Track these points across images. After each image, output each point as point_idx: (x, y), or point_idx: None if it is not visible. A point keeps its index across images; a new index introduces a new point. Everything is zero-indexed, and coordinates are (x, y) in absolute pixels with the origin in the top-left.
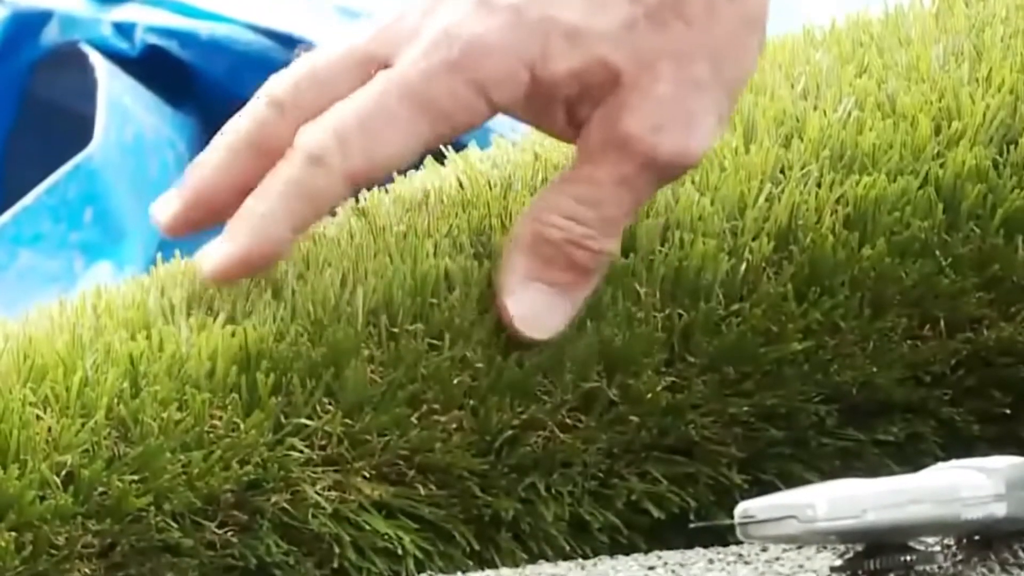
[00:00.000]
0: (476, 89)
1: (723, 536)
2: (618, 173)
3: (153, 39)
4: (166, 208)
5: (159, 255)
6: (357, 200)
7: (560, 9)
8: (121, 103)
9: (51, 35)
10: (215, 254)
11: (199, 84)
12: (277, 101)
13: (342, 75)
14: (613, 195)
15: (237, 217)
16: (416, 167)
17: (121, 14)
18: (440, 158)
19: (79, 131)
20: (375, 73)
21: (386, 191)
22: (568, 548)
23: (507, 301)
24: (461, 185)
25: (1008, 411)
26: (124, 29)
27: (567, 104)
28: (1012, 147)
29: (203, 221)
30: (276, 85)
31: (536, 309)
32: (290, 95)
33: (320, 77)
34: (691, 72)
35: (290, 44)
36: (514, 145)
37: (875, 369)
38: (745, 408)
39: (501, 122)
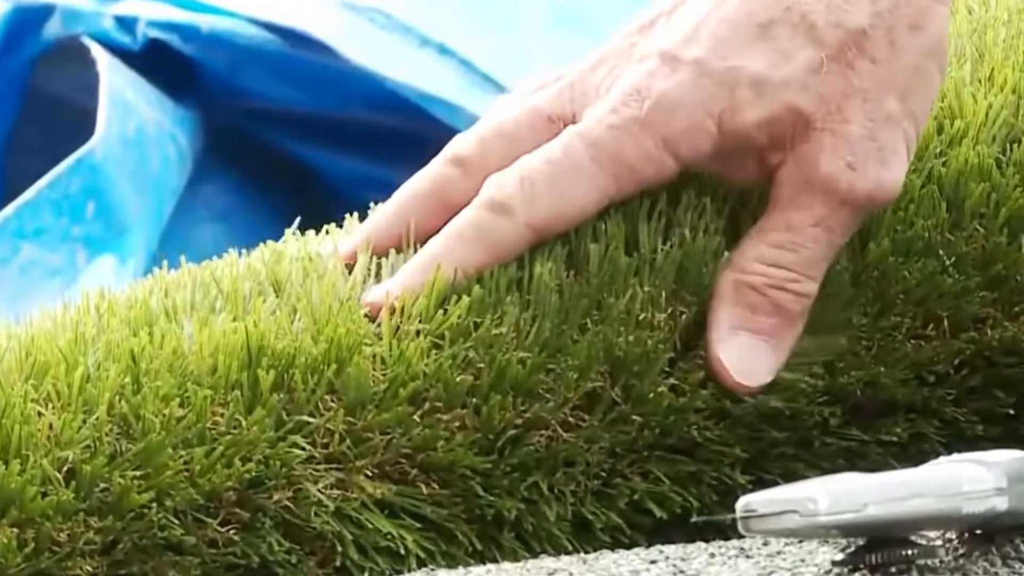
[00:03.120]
0: (663, 145)
1: (724, 531)
2: (815, 215)
3: (155, 33)
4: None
5: (165, 261)
6: (365, 214)
7: (744, 60)
8: (123, 97)
9: (53, 29)
10: (378, 290)
11: (201, 78)
12: (461, 158)
13: (528, 132)
14: (811, 237)
15: (412, 261)
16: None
17: (123, 8)
18: None
19: (81, 125)
20: (562, 129)
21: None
22: (571, 548)
23: (719, 353)
24: None
25: (1011, 411)
26: (126, 23)
27: (758, 154)
28: (1015, 146)
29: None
30: (460, 143)
31: (747, 357)
32: (475, 152)
33: (506, 134)
34: (880, 108)
35: (292, 38)
36: None
37: (879, 369)
38: (748, 408)
39: None
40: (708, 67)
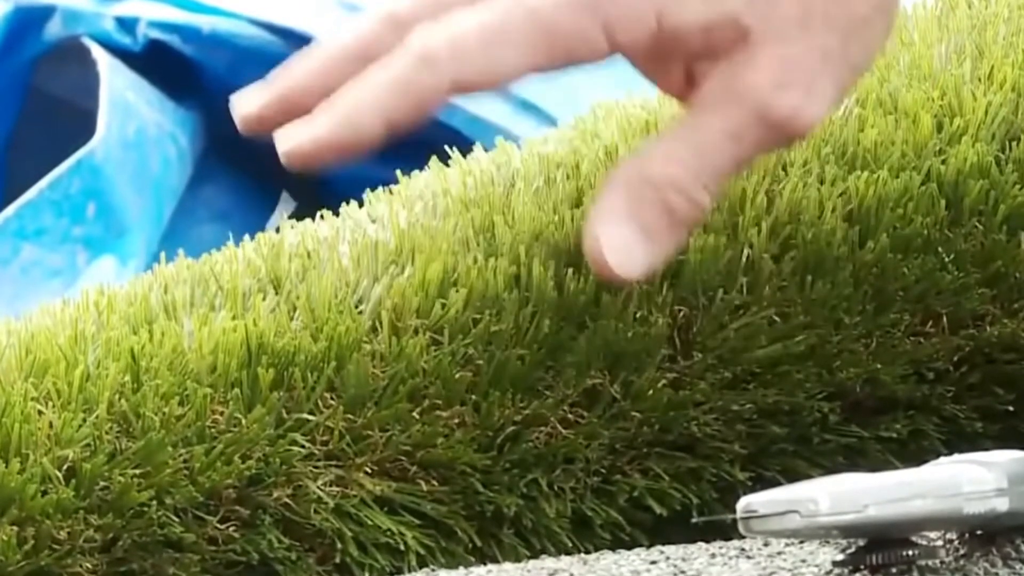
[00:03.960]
0: (602, 27)
1: (725, 531)
2: (730, 124)
3: (155, 34)
4: (246, 102)
5: (163, 254)
6: (361, 204)
7: None
8: (123, 98)
9: (54, 30)
10: (295, 135)
11: (201, 79)
12: (392, 14)
13: None
14: (721, 145)
15: (327, 103)
16: (420, 168)
17: (123, 9)
18: (445, 159)
19: (82, 126)
20: None
21: (391, 191)
22: (570, 544)
23: (598, 233)
24: (465, 185)
25: (1011, 408)
26: (126, 24)
27: (688, 60)
28: (1015, 143)
29: (284, 121)
30: (392, 1)
31: (624, 246)
32: (407, 9)
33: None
34: (820, 40)
35: (292, 39)
36: (518, 147)
37: (878, 365)
38: (748, 405)
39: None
40: None
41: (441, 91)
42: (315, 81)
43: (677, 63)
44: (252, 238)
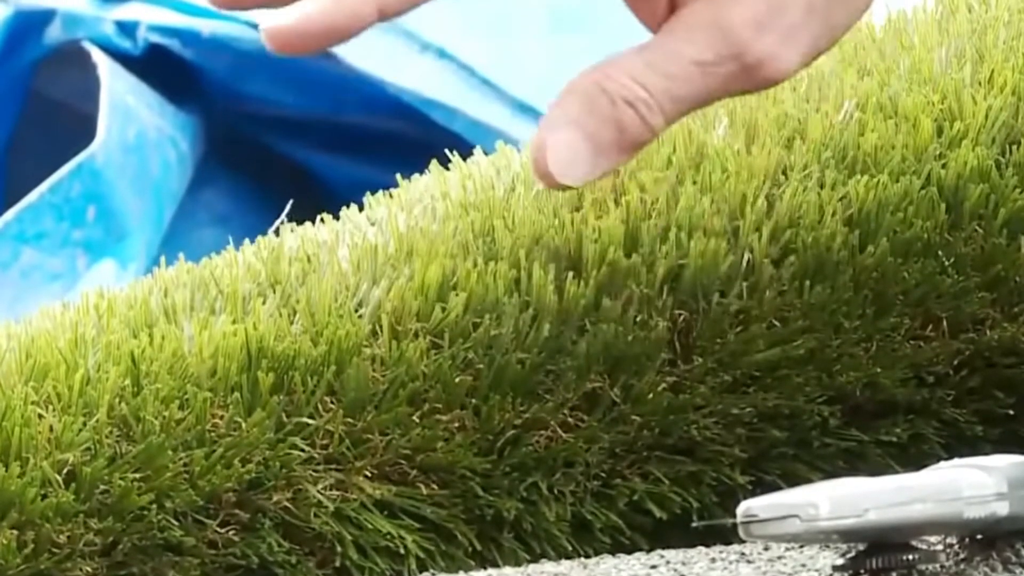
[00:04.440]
0: None
1: (725, 536)
2: (701, 55)
3: (155, 38)
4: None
5: (163, 258)
6: (361, 207)
7: None
8: (124, 102)
9: (54, 34)
10: (282, 17)
11: (201, 82)
12: None
13: None
14: (688, 73)
15: None
16: (420, 171)
17: (124, 13)
18: (445, 163)
19: (82, 129)
20: None
21: (391, 195)
22: (570, 548)
23: (545, 136)
24: (465, 189)
25: (1011, 412)
26: (127, 28)
27: None
28: (1015, 147)
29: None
30: None
31: (569, 152)
32: None
33: None
34: None
35: None
36: (518, 151)
37: (878, 369)
38: (747, 408)
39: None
40: None
41: None
42: None
43: None
44: (252, 241)
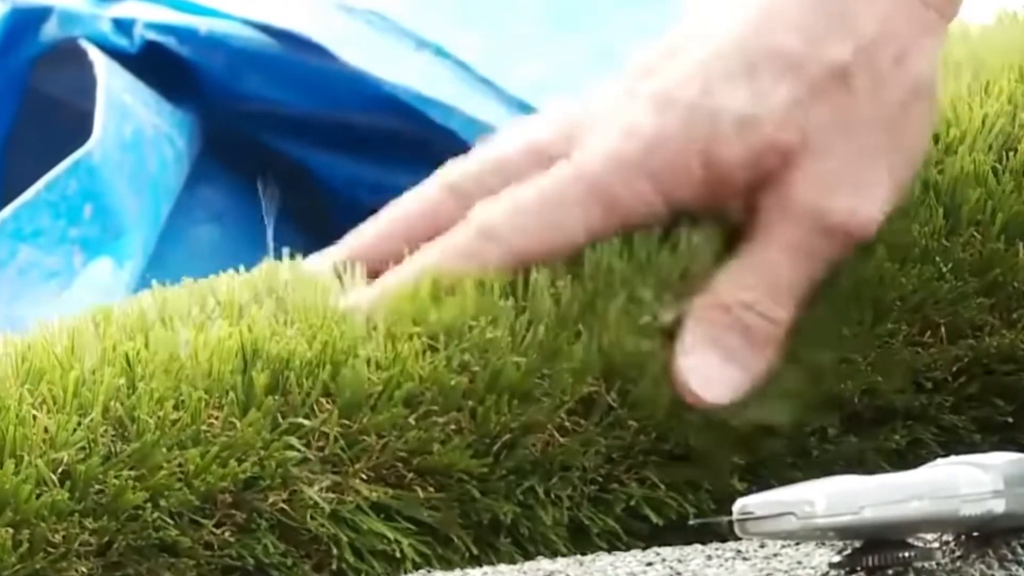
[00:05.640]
0: (653, 185)
1: (721, 534)
2: (787, 239)
3: (152, 35)
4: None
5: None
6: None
7: (728, 99)
8: (120, 99)
9: (50, 31)
10: (352, 297)
11: (198, 80)
12: (453, 184)
13: (522, 164)
14: (783, 261)
15: (389, 272)
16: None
17: (120, 10)
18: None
19: (79, 127)
20: (555, 163)
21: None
22: (567, 553)
23: (681, 362)
24: None
25: (1010, 419)
26: (123, 25)
27: (744, 191)
28: (1012, 153)
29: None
30: (454, 169)
31: (709, 372)
32: (468, 180)
33: (501, 164)
34: (860, 141)
35: (289, 41)
36: None
37: (876, 376)
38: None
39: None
40: (696, 106)
41: (502, 262)
42: (380, 247)
43: (736, 198)
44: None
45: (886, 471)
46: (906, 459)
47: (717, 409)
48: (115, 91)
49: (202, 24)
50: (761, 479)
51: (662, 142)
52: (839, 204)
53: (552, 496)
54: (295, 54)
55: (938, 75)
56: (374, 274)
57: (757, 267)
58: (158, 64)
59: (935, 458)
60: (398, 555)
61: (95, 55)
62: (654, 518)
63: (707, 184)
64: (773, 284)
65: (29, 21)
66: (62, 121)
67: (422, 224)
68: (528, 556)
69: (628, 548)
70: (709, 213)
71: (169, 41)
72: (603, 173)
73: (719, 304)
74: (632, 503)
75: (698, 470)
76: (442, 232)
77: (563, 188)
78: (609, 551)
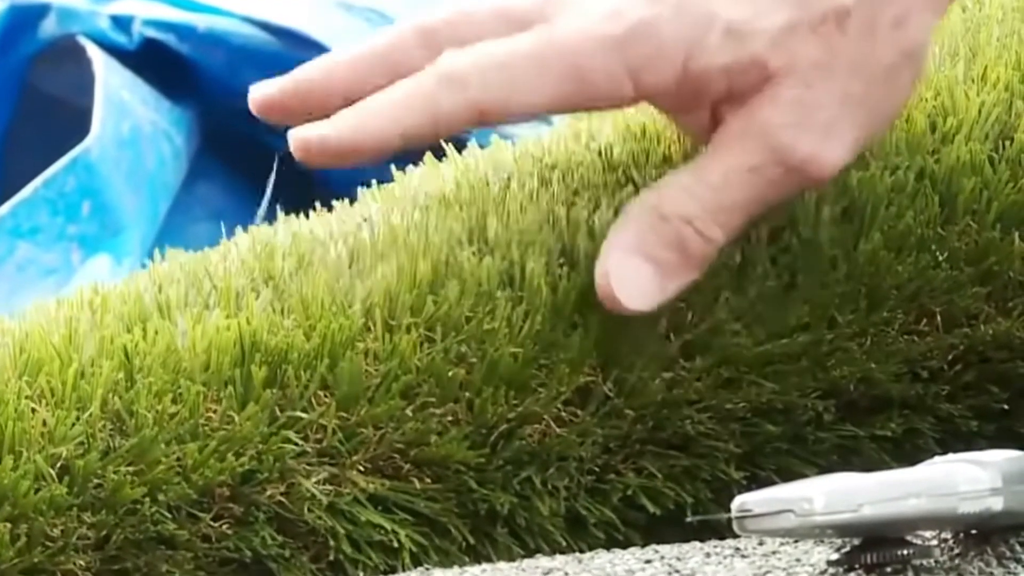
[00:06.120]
0: (628, 71)
1: (720, 531)
2: (746, 162)
3: (151, 32)
4: (265, 86)
5: (157, 252)
6: (353, 201)
7: (725, 6)
8: (119, 96)
9: (49, 28)
10: (310, 129)
11: (197, 77)
12: (423, 28)
13: (496, 23)
14: (735, 182)
15: (349, 108)
16: (415, 163)
17: (119, 7)
18: (440, 156)
19: (77, 124)
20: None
21: (384, 189)
22: (564, 544)
23: (608, 265)
24: (459, 183)
25: (1006, 407)
26: (122, 22)
27: (713, 103)
28: (1008, 142)
29: (298, 111)
30: (429, 17)
31: (632, 278)
32: (441, 27)
33: (475, 19)
34: (842, 86)
35: (288, 38)
36: (513, 146)
37: (872, 364)
38: (742, 403)
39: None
40: (689, 5)
41: (463, 113)
42: (337, 81)
43: (702, 106)
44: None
45: (883, 459)
46: (903, 448)
47: (631, 315)
48: (113, 88)
49: (201, 21)
50: (758, 468)
51: (646, 30)
52: (804, 142)
53: (549, 487)
54: (294, 51)
55: (929, 50)
56: (320, 106)
57: (706, 182)
58: (157, 61)
59: (931, 446)
60: (395, 546)
61: (93, 52)
62: (651, 508)
63: (681, 84)
64: (717, 203)
65: (28, 18)
66: (60, 118)
67: (387, 64)
68: (525, 547)
69: (625, 538)
70: (675, 113)
71: (168, 38)
72: (581, 46)
73: (658, 211)
74: (629, 493)
75: (695, 459)
76: (404, 75)
77: (536, 51)
78: (607, 542)
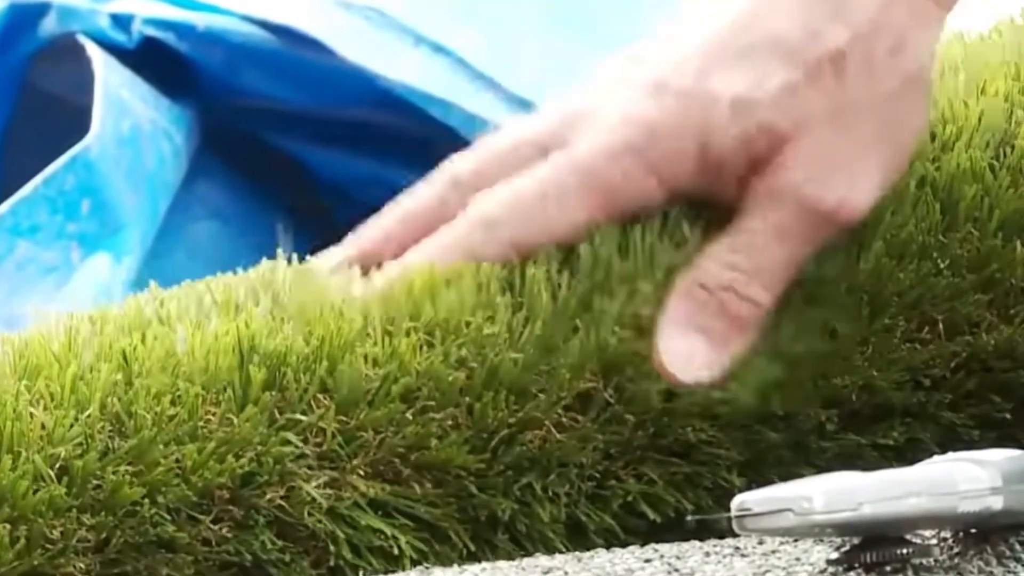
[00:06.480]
0: (649, 170)
1: (719, 532)
2: (774, 222)
3: (150, 31)
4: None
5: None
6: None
7: (724, 83)
8: (118, 95)
9: (49, 27)
10: (355, 290)
11: (196, 76)
12: (457, 179)
13: (521, 156)
14: (768, 243)
15: (393, 264)
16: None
17: (118, 6)
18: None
19: (77, 122)
20: (553, 154)
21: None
22: (564, 550)
23: (659, 341)
24: None
25: (1008, 415)
26: (121, 21)
27: (738, 177)
28: (1008, 149)
29: None
30: (457, 164)
31: (686, 351)
32: (468, 174)
33: (500, 158)
34: (853, 128)
35: (287, 36)
36: None
37: (874, 372)
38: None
39: (500, 122)
40: (691, 91)
41: (499, 253)
42: (383, 244)
43: (727, 181)
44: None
45: (885, 468)
46: (904, 456)
47: (695, 388)
48: (113, 87)
49: (200, 20)
50: (759, 475)
51: (657, 128)
52: (829, 191)
53: (550, 493)
54: (294, 50)
55: (933, 67)
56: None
57: (742, 248)
58: (156, 60)
59: (933, 455)
60: (395, 551)
61: (93, 51)
62: (652, 515)
63: (702, 168)
64: (757, 266)
65: (27, 17)
66: (60, 117)
67: (425, 221)
68: (526, 553)
69: (625, 545)
70: (703, 192)
71: (167, 37)
72: (599, 162)
73: (701, 284)
74: (630, 499)
75: (696, 466)
76: (446, 222)
77: (561, 178)
78: (607, 548)
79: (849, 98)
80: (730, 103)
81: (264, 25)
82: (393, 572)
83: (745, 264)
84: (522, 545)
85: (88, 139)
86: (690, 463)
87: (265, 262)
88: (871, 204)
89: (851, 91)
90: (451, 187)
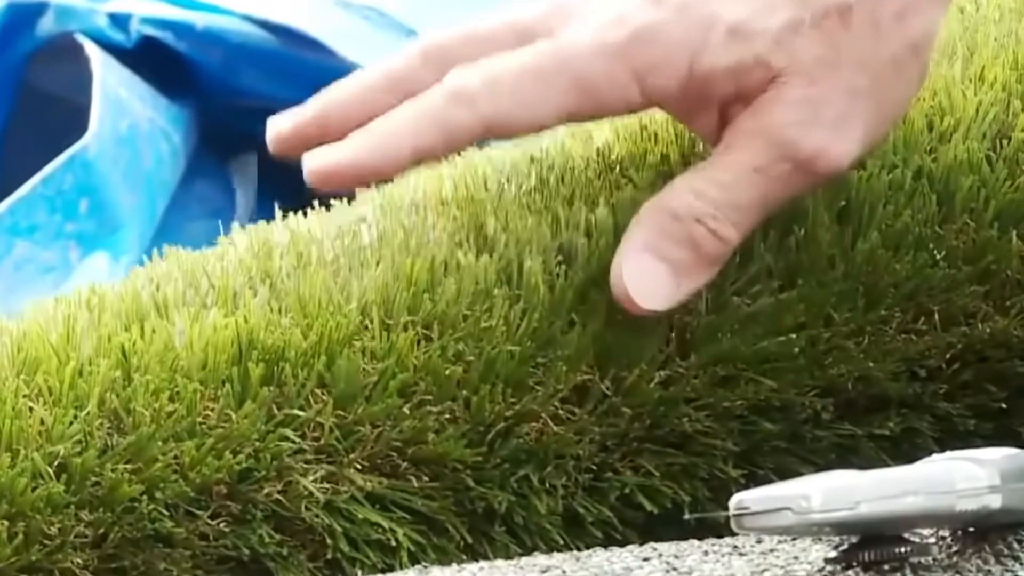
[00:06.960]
0: (633, 75)
1: (718, 529)
2: (754, 160)
3: (148, 30)
4: (280, 121)
5: (155, 250)
6: (351, 200)
7: (727, 7)
8: (116, 94)
9: (47, 26)
10: (322, 156)
11: (195, 75)
12: (429, 50)
13: (502, 39)
14: (745, 181)
15: (359, 130)
16: None
17: (116, 5)
18: None
19: (75, 122)
20: (539, 40)
21: (382, 188)
22: (562, 542)
23: (620, 265)
24: (457, 183)
25: (1004, 406)
26: (119, 20)
27: (721, 105)
28: (1005, 141)
29: (315, 140)
30: (431, 37)
31: (647, 278)
32: (444, 47)
33: (479, 37)
34: (847, 81)
35: (286, 36)
36: (512, 146)
37: (870, 363)
38: (740, 401)
39: None
40: (691, 8)
41: (473, 128)
42: (351, 108)
43: (710, 108)
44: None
45: (881, 458)
46: (901, 447)
47: (647, 315)
48: (111, 86)
49: (199, 19)
50: (756, 466)
51: (650, 35)
52: (812, 138)
53: (547, 485)
54: (292, 49)
55: (934, 42)
56: (344, 132)
57: (717, 182)
58: (154, 59)
59: (929, 445)
60: (393, 544)
61: (91, 50)
62: (649, 506)
63: (687, 86)
64: (729, 201)
65: (25, 16)
66: (58, 116)
67: (395, 87)
68: (523, 545)
69: (623, 537)
70: (683, 116)
71: (166, 36)
72: (585, 55)
73: (670, 211)
74: (627, 491)
75: (692, 457)
76: (417, 93)
77: (542, 64)
78: (604, 540)
79: (848, 52)
80: (729, 27)
81: (263, 25)
82: (391, 564)
83: (717, 196)
84: (519, 537)
85: (86, 138)
86: (686, 454)
87: (262, 233)
88: (849, 162)
89: (851, 46)
90: (426, 55)
